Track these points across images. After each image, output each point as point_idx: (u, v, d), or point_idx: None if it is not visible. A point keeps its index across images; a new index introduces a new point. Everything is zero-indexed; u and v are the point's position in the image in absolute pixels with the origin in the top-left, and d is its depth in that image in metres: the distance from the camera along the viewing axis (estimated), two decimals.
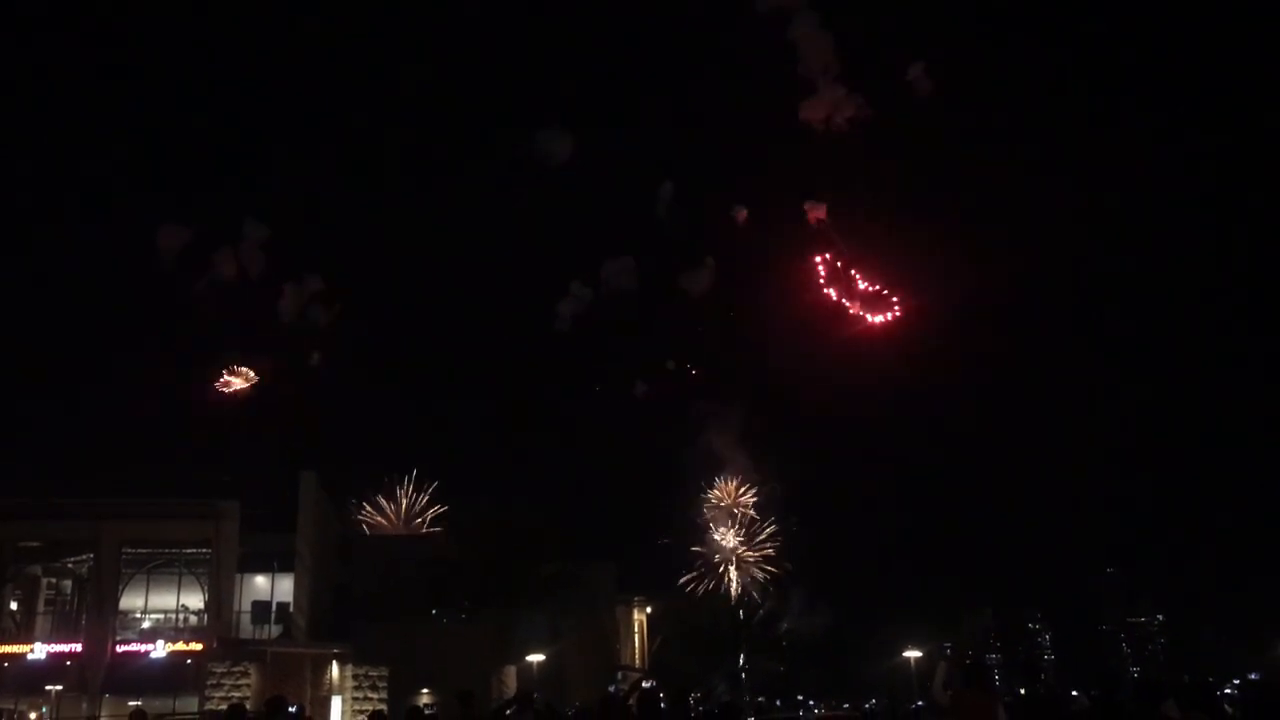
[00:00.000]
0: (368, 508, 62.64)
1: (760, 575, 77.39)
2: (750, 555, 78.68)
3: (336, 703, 44.14)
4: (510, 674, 47.17)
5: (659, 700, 14.16)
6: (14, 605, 45.19)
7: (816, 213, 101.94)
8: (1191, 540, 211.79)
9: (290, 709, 24.93)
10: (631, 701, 16.15)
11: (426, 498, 64.15)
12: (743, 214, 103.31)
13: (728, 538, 79.94)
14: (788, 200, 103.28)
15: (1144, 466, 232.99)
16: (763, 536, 79.05)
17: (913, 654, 51.78)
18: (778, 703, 55.01)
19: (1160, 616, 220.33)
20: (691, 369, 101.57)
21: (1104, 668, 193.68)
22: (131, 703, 41.87)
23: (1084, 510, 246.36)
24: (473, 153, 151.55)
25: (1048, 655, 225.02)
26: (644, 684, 41.41)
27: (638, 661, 62.38)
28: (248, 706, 40.27)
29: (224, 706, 40.29)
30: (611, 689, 45.37)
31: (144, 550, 44.29)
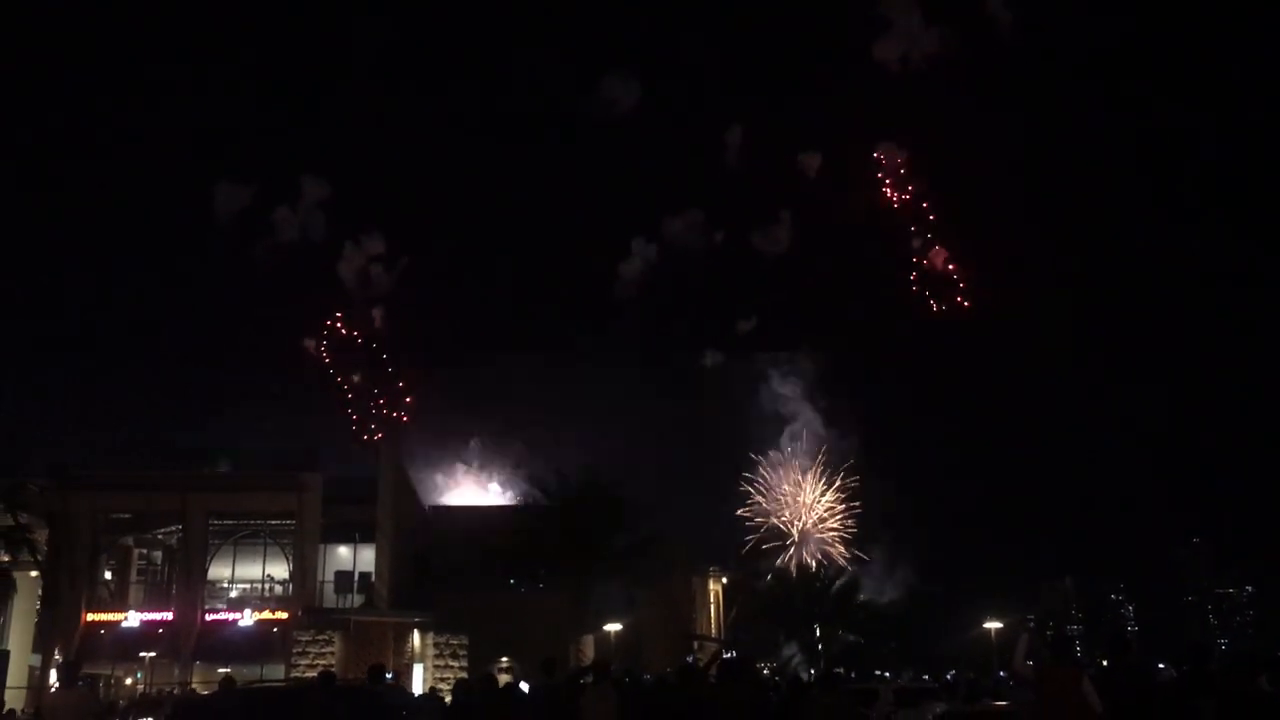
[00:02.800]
0: (445, 478, 63.62)
1: (836, 537, 76.87)
2: (826, 519, 78.25)
3: (418, 670, 44.83)
4: (588, 643, 47.58)
5: (739, 669, 14.13)
6: (108, 575, 46.63)
7: (893, 158, 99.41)
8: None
9: (387, 675, 25.52)
10: (711, 671, 16.16)
11: (503, 475, 64.99)
12: (815, 161, 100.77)
13: (804, 501, 79.56)
14: (862, 147, 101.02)
15: (1231, 434, 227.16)
16: (839, 503, 78.54)
17: (993, 625, 51.13)
18: (853, 675, 54.61)
19: (1250, 588, 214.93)
20: (762, 332, 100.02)
21: (1190, 639, 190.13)
22: (221, 669, 43.52)
23: (1170, 478, 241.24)
24: (536, 104, 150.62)
25: (1131, 626, 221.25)
26: (723, 654, 41.37)
27: (713, 631, 62.61)
28: (334, 674, 41.39)
29: (311, 673, 41.29)
30: (689, 659, 45.52)
31: (230, 521, 45.35)
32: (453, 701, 17.31)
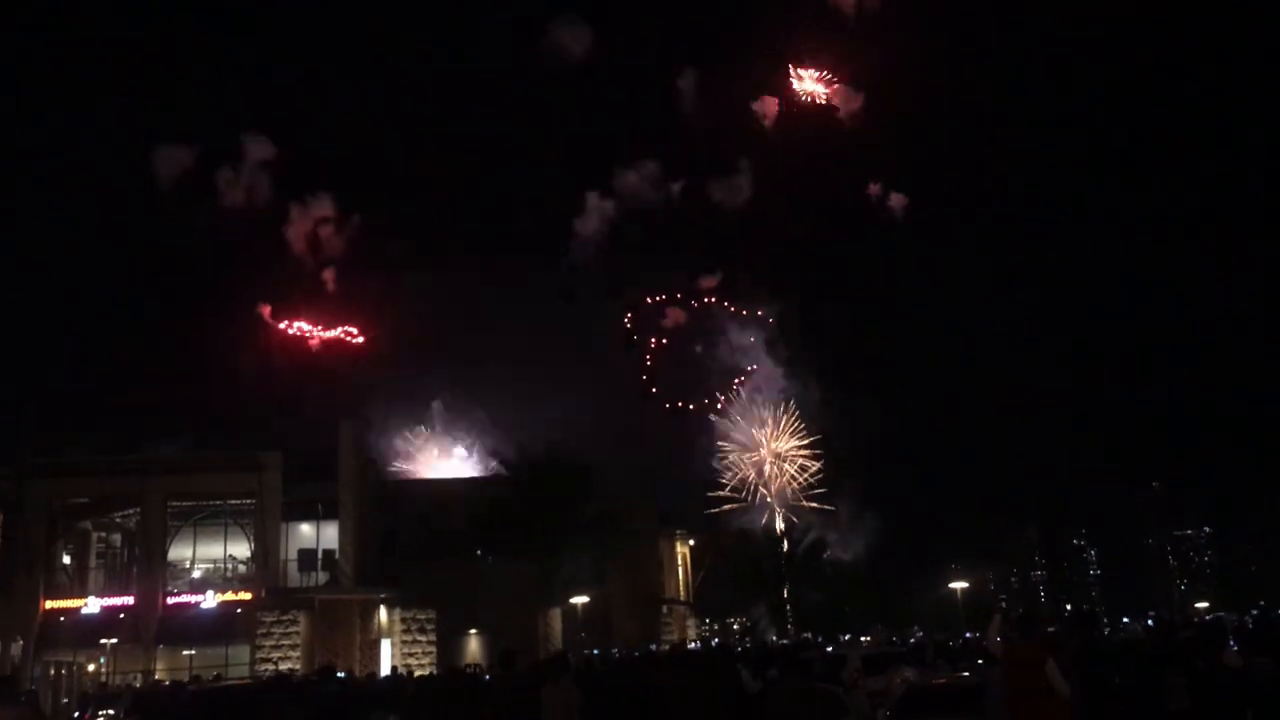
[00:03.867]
0: (407, 451, 62.86)
1: (801, 489, 76.76)
2: (791, 472, 78.12)
3: (386, 645, 44.66)
4: (555, 617, 47.51)
5: (711, 660, 13.94)
6: (66, 559, 45.91)
7: (850, 105, 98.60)
8: (1237, 452, 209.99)
9: (340, 675, 25.22)
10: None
11: (468, 439, 64.27)
12: (773, 106, 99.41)
13: (768, 454, 79.33)
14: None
15: (1187, 380, 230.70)
16: (802, 454, 78.38)
17: (959, 585, 51.59)
18: (819, 639, 54.94)
19: (1207, 529, 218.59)
20: (725, 285, 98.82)
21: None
22: (185, 652, 43.09)
23: (1129, 426, 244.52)
24: (484, 54, 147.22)
25: (1093, 571, 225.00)
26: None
27: (681, 594, 62.75)
28: (297, 654, 41.08)
29: (276, 654, 40.97)
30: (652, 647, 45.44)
31: (189, 503, 44.69)
32: (418, 692, 17.00)
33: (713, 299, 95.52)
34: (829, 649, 39.58)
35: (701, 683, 12.59)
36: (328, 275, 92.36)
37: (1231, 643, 14.66)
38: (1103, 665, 12.64)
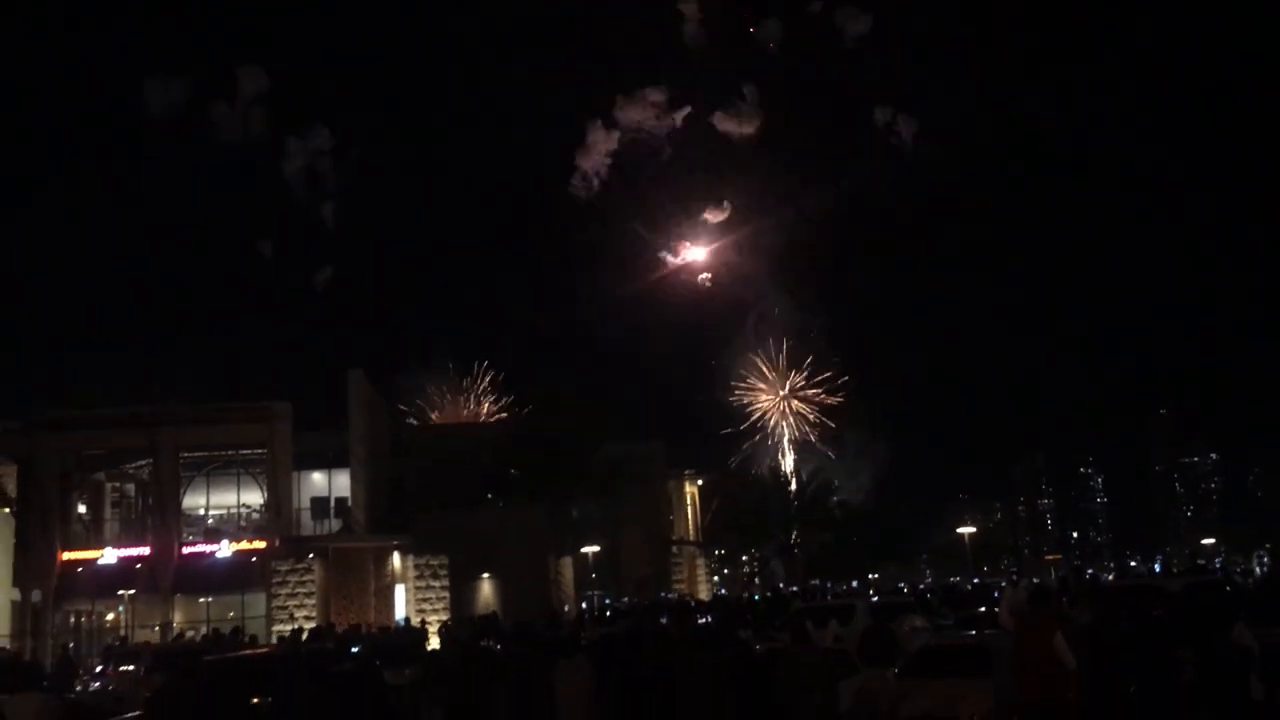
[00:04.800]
0: (419, 400, 62.96)
1: (811, 417, 76.61)
2: (800, 403, 78.02)
3: (400, 591, 45.18)
4: (567, 565, 47.92)
5: (718, 633, 14.06)
6: (82, 509, 46.41)
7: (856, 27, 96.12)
8: (1245, 377, 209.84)
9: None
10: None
11: (480, 385, 64.37)
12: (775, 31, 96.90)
13: (776, 385, 79.23)
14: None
15: (1194, 305, 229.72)
16: (811, 386, 78.24)
17: (966, 530, 51.88)
18: (828, 584, 55.34)
19: (1214, 455, 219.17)
20: (732, 219, 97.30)
21: (1157, 516, 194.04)
22: (202, 600, 43.75)
23: (1134, 351, 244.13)
24: None
25: (1100, 499, 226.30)
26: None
27: (691, 535, 63.31)
28: (312, 602, 41.61)
29: (291, 602, 41.53)
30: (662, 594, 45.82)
31: (201, 454, 45.02)
32: (433, 659, 17.23)
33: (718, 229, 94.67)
34: (838, 591, 39.94)
35: (716, 658, 12.71)
36: (326, 210, 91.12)
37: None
38: (1111, 640, 12.76)
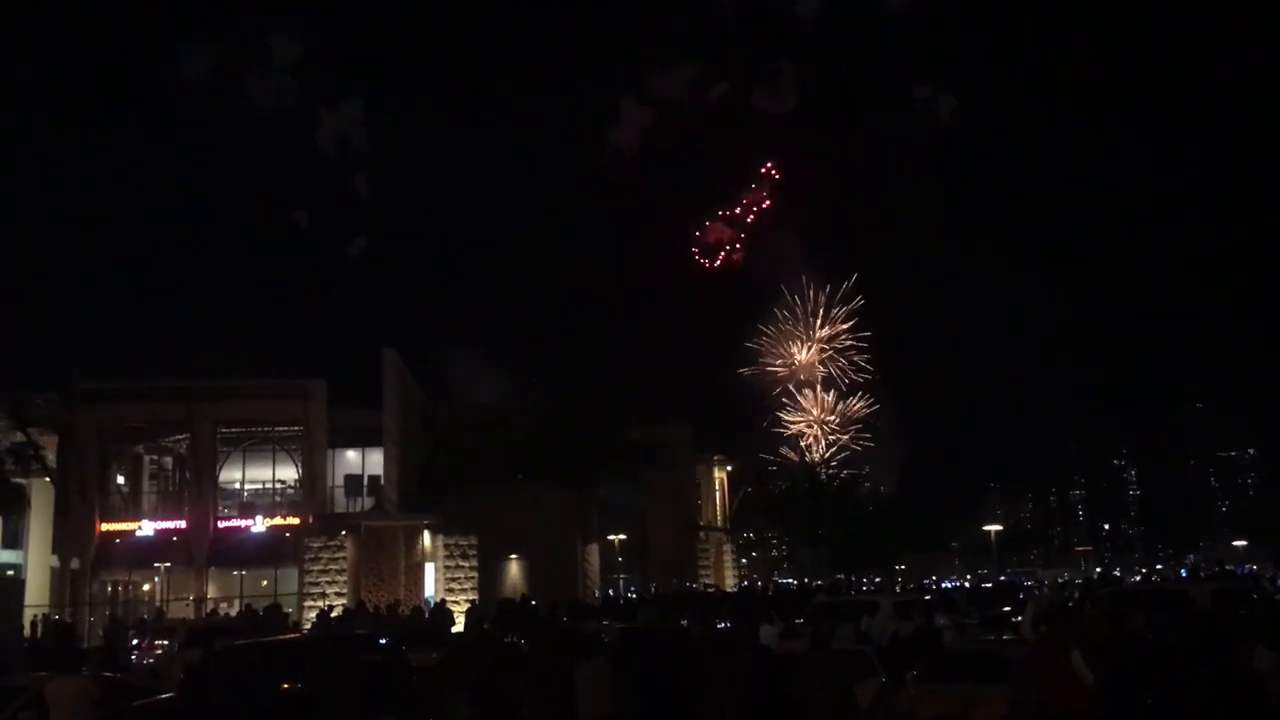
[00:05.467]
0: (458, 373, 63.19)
1: (843, 369, 75.66)
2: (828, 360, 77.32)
3: (430, 570, 45.80)
4: (593, 552, 48.28)
5: (738, 638, 14.33)
6: (120, 480, 47.29)
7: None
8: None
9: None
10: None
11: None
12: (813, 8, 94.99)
13: (805, 359, 79.09)
14: None
15: (1234, 296, 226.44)
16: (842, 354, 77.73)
17: (993, 528, 51.77)
18: (852, 578, 55.32)
19: (1251, 450, 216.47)
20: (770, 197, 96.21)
21: (1190, 510, 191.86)
22: (235, 573, 44.53)
23: (1174, 341, 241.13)
24: None
25: (1133, 491, 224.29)
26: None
27: (719, 520, 63.53)
28: (344, 579, 42.27)
29: (324, 578, 42.21)
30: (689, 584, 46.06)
31: (238, 429, 45.72)
32: (455, 650, 17.60)
33: (754, 211, 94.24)
34: (862, 587, 40.09)
35: (734, 662, 13.00)
36: (358, 180, 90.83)
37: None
38: (1129, 657, 12.90)
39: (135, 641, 29.10)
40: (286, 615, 33.74)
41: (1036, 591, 36.88)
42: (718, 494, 64.80)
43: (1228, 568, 41.99)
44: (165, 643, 26.85)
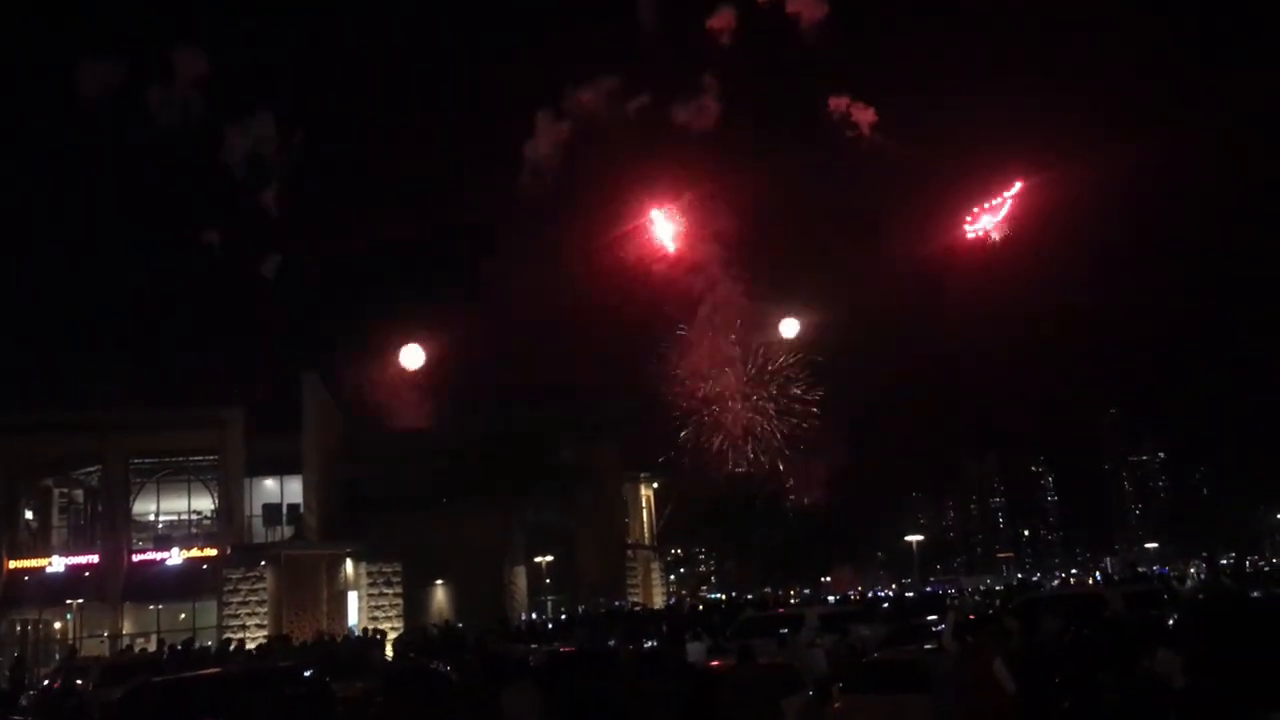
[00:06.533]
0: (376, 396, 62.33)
1: (767, 408, 76.34)
2: (753, 395, 77.89)
3: (353, 598, 45.16)
4: (520, 574, 48.00)
5: (661, 659, 14.34)
6: (29, 515, 45.85)
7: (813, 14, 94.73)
8: (1194, 378, 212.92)
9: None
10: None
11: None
12: (727, 20, 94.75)
13: (729, 380, 79.14)
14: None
15: (1145, 307, 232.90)
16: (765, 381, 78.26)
17: (914, 538, 52.60)
18: (778, 591, 55.74)
19: (1161, 454, 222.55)
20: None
21: (1106, 515, 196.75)
22: (152, 607, 43.34)
23: (1087, 352, 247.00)
24: None
25: (1050, 496, 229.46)
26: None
27: (646, 538, 63.52)
28: (264, 610, 41.43)
29: (243, 610, 41.34)
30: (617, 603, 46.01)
31: (151, 460, 44.63)
32: (385, 680, 17.35)
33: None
34: (789, 602, 40.45)
35: (658, 684, 13.00)
36: (268, 198, 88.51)
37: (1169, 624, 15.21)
38: (1043, 663, 13.15)
39: (47, 682, 28.10)
40: (223, 648, 32.71)
41: (957, 600, 37.50)
42: (645, 512, 64.79)
43: (1140, 569, 43.09)
44: (79, 681, 25.97)
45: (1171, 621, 15.13)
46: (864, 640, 25.46)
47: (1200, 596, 29.94)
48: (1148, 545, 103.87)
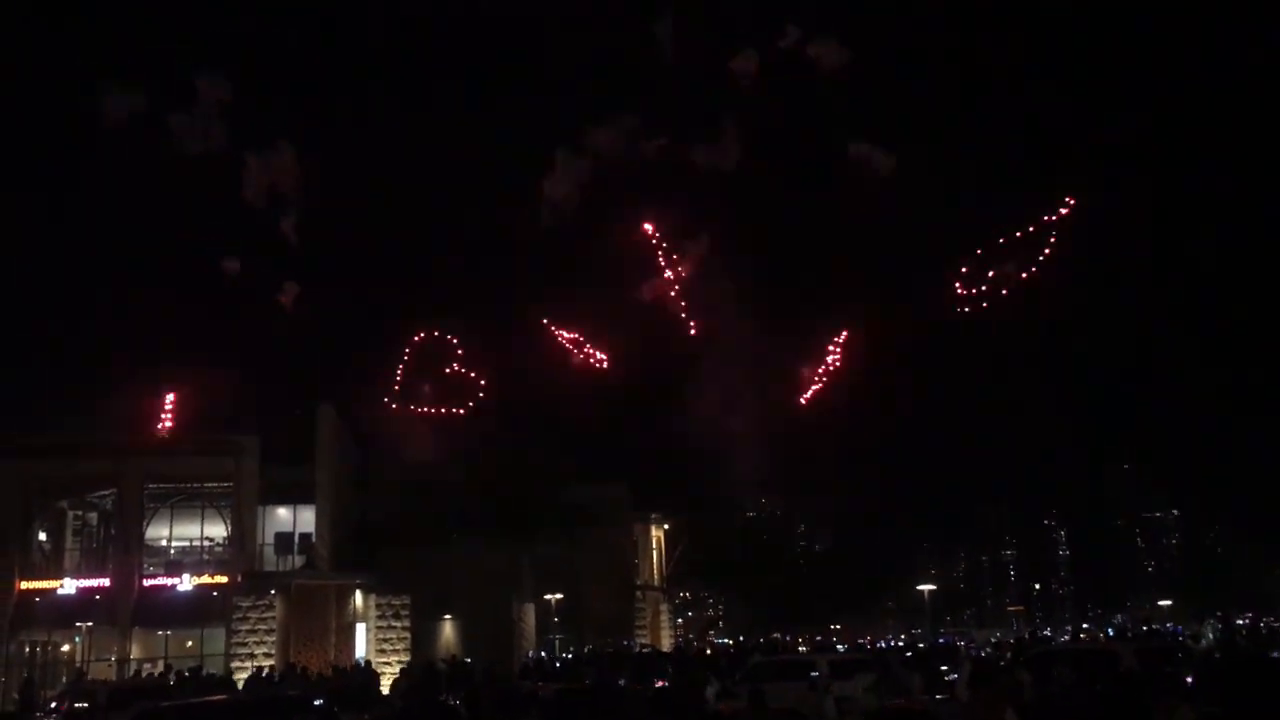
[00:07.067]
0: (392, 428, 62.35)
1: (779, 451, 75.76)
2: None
3: (361, 630, 45.09)
4: (529, 612, 47.89)
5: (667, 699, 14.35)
6: (43, 536, 45.99)
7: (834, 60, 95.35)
8: (1207, 435, 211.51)
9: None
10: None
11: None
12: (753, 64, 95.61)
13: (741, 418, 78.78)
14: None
15: (1159, 361, 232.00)
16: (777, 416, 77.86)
17: (926, 588, 52.21)
18: (788, 638, 55.39)
19: (1175, 511, 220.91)
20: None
21: (1118, 570, 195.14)
22: (160, 633, 43.35)
23: (1100, 407, 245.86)
24: None
25: (1062, 551, 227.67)
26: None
27: (655, 579, 63.32)
28: (273, 639, 41.37)
29: (251, 638, 41.31)
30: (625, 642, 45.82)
31: (166, 485, 44.80)
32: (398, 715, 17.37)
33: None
34: (799, 649, 40.25)
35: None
36: (287, 226, 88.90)
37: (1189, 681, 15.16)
38: (1055, 716, 13.13)
39: (55, 704, 28.18)
40: (227, 677, 32.62)
41: (971, 652, 37.27)
42: (655, 553, 64.62)
43: (1153, 627, 42.74)
44: (86, 705, 26.06)
45: (1190, 679, 15.08)
46: (907, 678, 25.77)
47: (1216, 655, 29.72)
48: (1160, 603, 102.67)
